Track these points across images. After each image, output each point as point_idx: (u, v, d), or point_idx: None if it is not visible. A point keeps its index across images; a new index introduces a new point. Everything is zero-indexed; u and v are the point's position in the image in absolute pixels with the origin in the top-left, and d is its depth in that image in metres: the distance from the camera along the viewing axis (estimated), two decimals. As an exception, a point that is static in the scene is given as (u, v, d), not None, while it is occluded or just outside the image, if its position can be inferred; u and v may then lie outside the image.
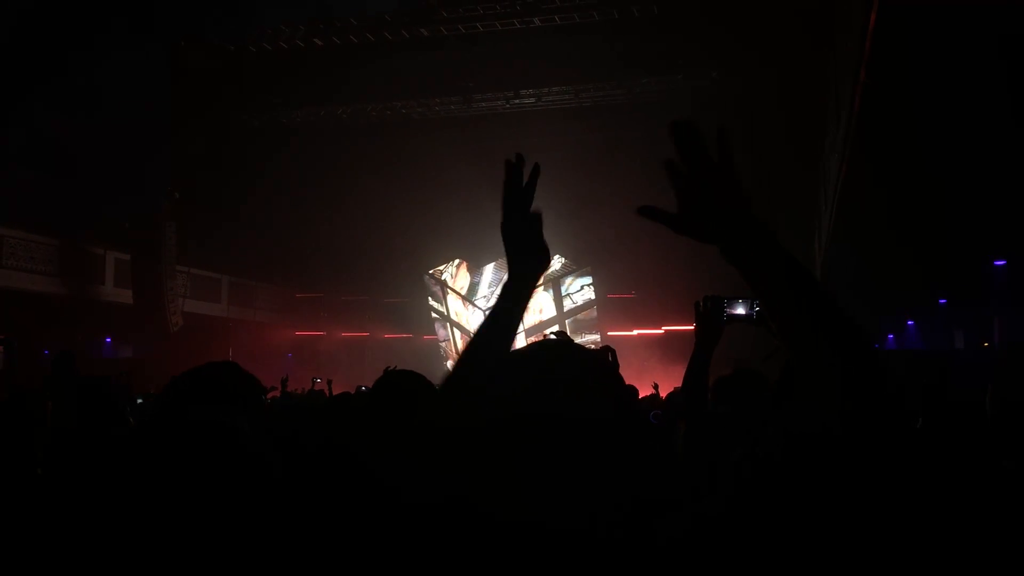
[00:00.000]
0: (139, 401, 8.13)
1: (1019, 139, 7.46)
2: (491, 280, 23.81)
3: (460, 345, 24.85)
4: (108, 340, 21.42)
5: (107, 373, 8.31)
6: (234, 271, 23.52)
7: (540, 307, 23.19)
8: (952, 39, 5.73)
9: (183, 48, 16.44)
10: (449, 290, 24.35)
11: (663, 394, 8.92)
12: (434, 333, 25.66)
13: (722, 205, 1.34)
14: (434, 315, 25.38)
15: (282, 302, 26.06)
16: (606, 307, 23.69)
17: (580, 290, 23.44)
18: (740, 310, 3.34)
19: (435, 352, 25.11)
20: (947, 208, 9.88)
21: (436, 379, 2.72)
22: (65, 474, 3.30)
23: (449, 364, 24.52)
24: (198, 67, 16.69)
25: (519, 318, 1.64)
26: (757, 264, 1.33)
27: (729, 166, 1.33)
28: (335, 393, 9.19)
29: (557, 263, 23.47)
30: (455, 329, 24.87)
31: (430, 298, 25.19)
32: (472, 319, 23.64)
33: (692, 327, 3.10)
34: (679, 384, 4.08)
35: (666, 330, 22.49)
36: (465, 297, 23.82)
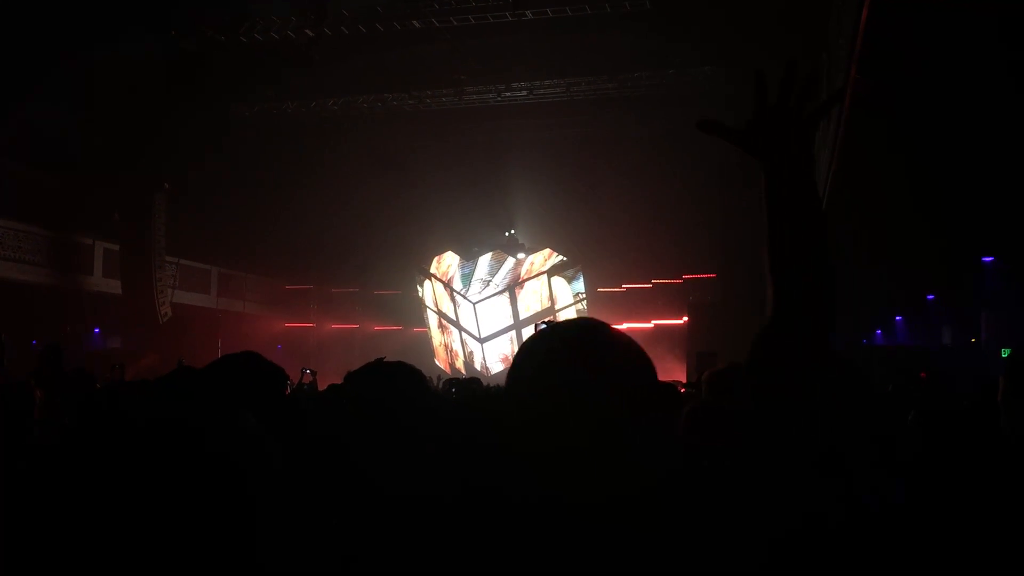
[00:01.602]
0: (127, 392, 8.07)
1: (1008, 137, 7.50)
2: (476, 272, 23.85)
3: (442, 337, 24.93)
4: (97, 331, 21.35)
5: (96, 364, 8.29)
6: (223, 262, 23.46)
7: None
8: (942, 37, 5.75)
9: (174, 39, 16.34)
10: (435, 279, 24.38)
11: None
12: (424, 325, 25.68)
13: (788, 125, 1.48)
14: (427, 309, 25.41)
15: (271, 294, 26.01)
16: (596, 301, 23.75)
17: (571, 281, 23.53)
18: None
19: (425, 344, 25.12)
20: (936, 205, 9.93)
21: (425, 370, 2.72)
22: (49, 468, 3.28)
23: (437, 362, 24.62)
24: (189, 58, 16.60)
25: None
26: (784, 187, 1.47)
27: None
28: (325, 384, 9.15)
29: (550, 257, 23.51)
30: (441, 319, 24.91)
31: (419, 289, 25.24)
32: (461, 311, 23.66)
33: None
34: (665, 377, 4.07)
35: (655, 324, 22.55)
36: (449, 286, 23.83)
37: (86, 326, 19.86)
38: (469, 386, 4.91)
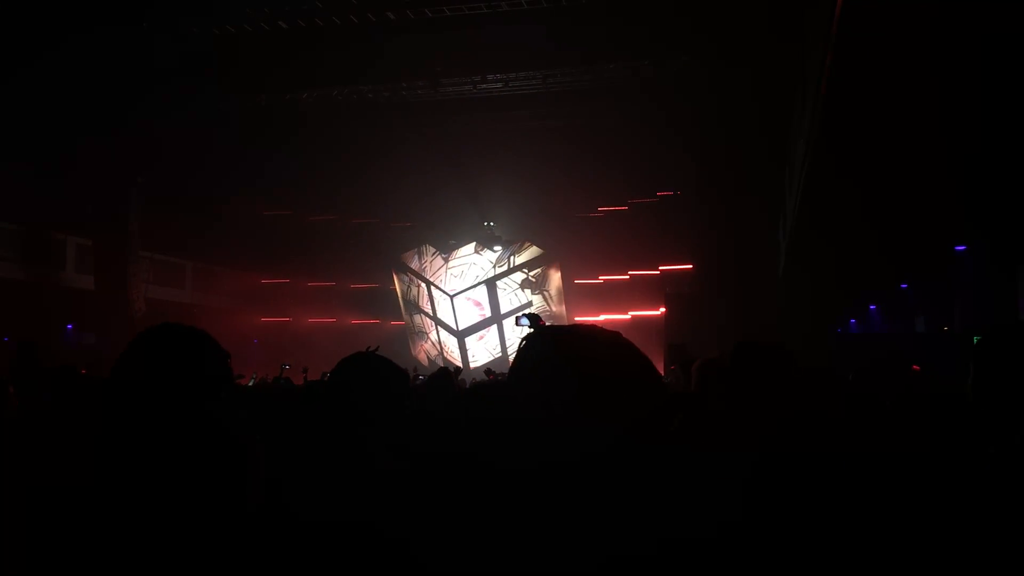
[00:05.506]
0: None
1: (984, 126, 7.56)
2: (453, 265, 23.85)
3: (419, 330, 24.96)
4: (70, 327, 21.12)
5: (71, 361, 8.18)
6: (198, 256, 23.28)
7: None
8: (919, 24, 5.78)
9: (147, 32, 16.14)
10: (413, 275, 24.36)
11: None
12: (401, 319, 25.64)
13: None
14: (403, 303, 25.38)
15: (247, 288, 25.83)
16: (573, 293, 23.79)
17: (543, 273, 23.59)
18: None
19: (402, 338, 25.07)
20: (910, 194, 10.00)
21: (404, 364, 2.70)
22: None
23: (414, 355, 24.62)
24: (163, 51, 16.40)
25: None
26: None
27: None
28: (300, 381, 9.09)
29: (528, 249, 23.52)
30: (421, 315, 24.88)
31: (396, 284, 25.19)
32: (439, 304, 23.64)
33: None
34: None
35: (632, 315, 22.63)
36: (426, 279, 23.81)
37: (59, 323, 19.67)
38: (442, 381, 4.88)
